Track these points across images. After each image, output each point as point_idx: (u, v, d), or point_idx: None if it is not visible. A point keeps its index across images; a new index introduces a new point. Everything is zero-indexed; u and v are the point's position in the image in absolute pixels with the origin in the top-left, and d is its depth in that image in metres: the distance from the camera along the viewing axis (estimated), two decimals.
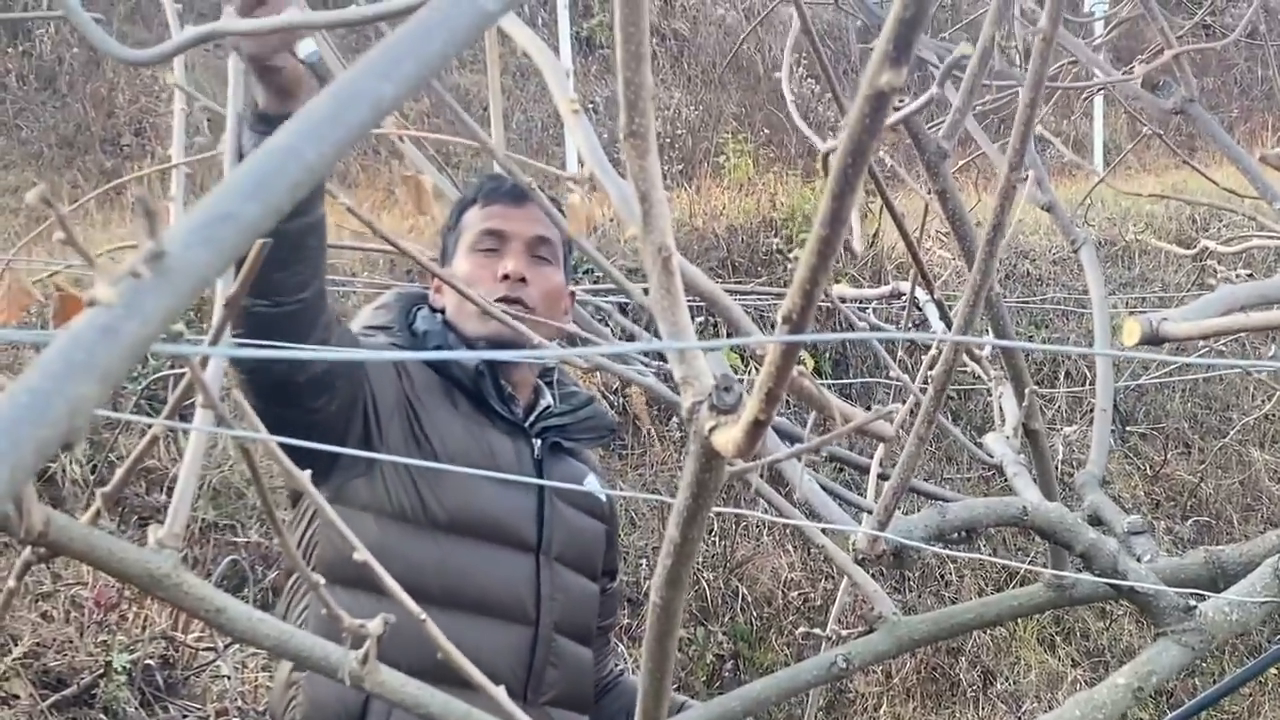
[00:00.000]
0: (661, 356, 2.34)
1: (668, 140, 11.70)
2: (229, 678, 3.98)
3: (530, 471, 2.29)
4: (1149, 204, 8.72)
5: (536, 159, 11.49)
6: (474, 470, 2.13)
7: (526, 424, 2.30)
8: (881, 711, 5.85)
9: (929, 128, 1.91)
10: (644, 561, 5.59)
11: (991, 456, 2.09)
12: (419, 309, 2.34)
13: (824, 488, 1.86)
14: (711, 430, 1.03)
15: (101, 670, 3.67)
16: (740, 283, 6.44)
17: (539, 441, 2.31)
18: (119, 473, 1.38)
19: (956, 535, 1.81)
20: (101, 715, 3.63)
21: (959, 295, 2.27)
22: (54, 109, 10.48)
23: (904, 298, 2.60)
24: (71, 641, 3.69)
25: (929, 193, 1.90)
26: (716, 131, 9.23)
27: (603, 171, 1.14)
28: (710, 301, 1.30)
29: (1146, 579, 1.77)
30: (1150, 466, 7.55)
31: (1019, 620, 6.52)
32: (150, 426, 1.40)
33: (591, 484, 2.38)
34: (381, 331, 2.26)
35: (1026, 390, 1.96)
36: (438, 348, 2.23)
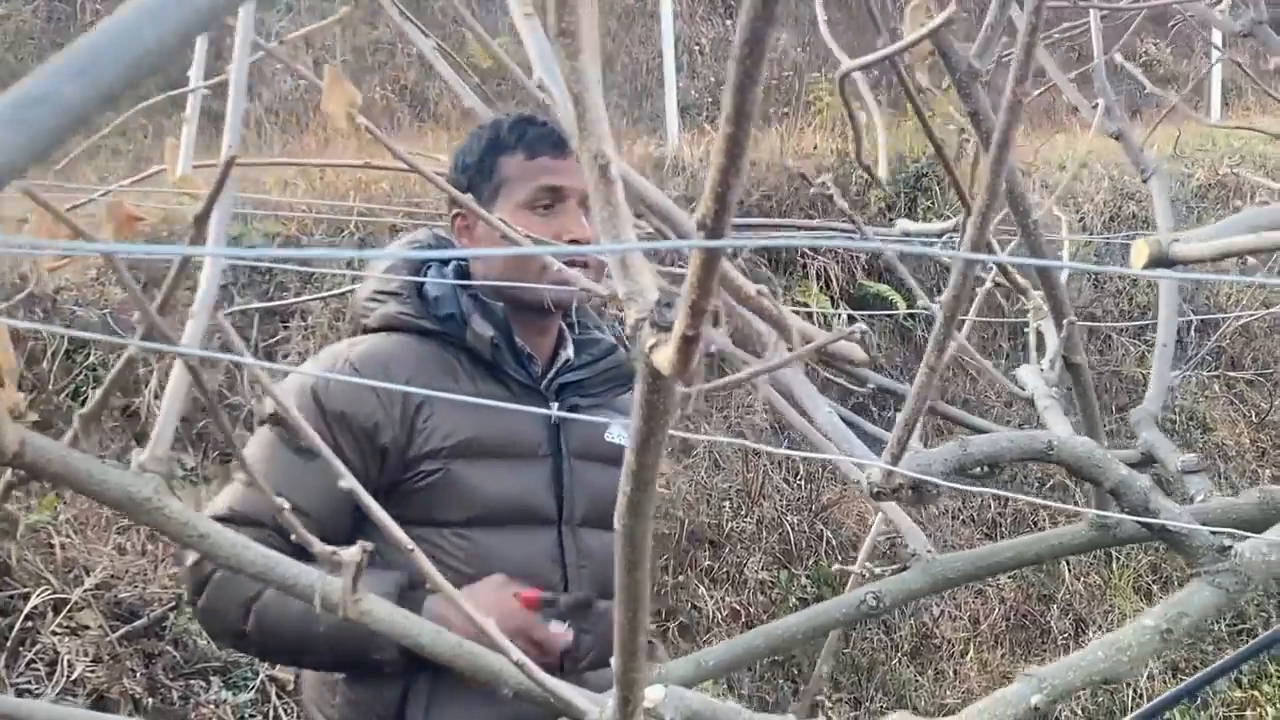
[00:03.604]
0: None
1: (774, 82, 11.55)
2: None
3: (547, 436, 2.25)
4: (1263, 145, 8.44)
5: (639, 103, 11.46)
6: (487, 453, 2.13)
7: (543, 385, 2.26)
8: (968, 658, 5.78)
9: (1003, 56, 1.83)
10: (726, 504, 5.55)
11: (1024, 389, 2.02)
12: (429, 267, 2.26)
13: (846, 420, 1.80)
14: (652, 349, 0.98)
15: (173, 603, 3.72)
16: (829, 224, 6.33)
17: (556, 403, 2.26)
18: (97, 394, 1.37)
19: (980, 470, 1.75)
20: (170, 647, 3.68)
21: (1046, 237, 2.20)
22: None
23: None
24: (145, 574, 3.75)
25: (967, 115, 1.82)
26: (823, 73, 9.08)
27: (550, 79, 1.10)
28: (663, 217, 1.25)
29: (1180, 517, 1.69)
30: (1256, 413, 7.34)
31: (1114, 568, 6.40)
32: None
33: (615, 433, 2.32)
34: (391, 298, 2.21)
35: (1066, 320, 1.88)
36: (449, 315, 2.19)
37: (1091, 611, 6.13)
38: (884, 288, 6.25)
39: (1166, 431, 6.97)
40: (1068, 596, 6.18)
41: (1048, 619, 6.09)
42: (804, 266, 6.16)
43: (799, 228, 4.43)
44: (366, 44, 12.60)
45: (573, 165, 2.16)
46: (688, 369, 1.00)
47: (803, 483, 5.77)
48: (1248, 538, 1.72)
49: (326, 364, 2.17)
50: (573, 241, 2.16)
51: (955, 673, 5.72)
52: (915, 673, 5.67)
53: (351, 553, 1.36)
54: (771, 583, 5.49)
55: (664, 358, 0.98)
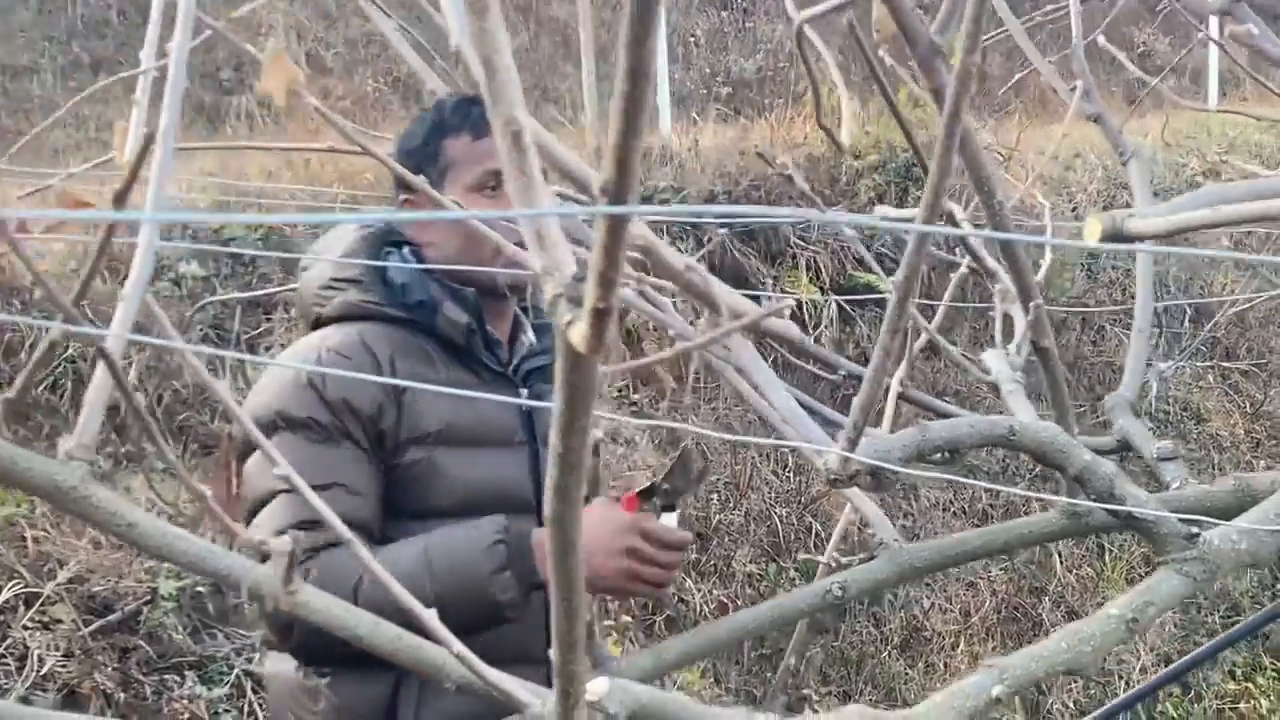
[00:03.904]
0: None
1: (769, 74, 11.50)
2: None
3: (521, 423, 2.22)
4: (1258, 134, 8.39)
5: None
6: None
7: (510, 371, 2.22)
8: (959, 650, 5.73)
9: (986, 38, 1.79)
10: (714, 496, 5.50)
11: (988, 374, 1.97)
12: (389, 252, 2.21)
13: (804, 405, 1.75)
14: (568, 325, 0.94)
15: (148, 597, 3.68)
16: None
17: (525, 390, 2.22)
18: (19, 379, 1.33)
19: (940, 455, 1.70)
20: (144, 642, 3.64)
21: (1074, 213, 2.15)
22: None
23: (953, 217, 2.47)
24: (119, 569, 3.71)
25: (929, 91, 1.78)
26: (815, 61, 9.02)
27: (465, 45, 1.06)
28: (581, 186, 1.21)
29: (1146, 504, 1.65)
30: (1251, 404, 7.29)
31: (1106, 559, 6.35)
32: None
33: None
34: (352, 286, 2.15)
35: (1033, 304, 1.84)
36: (420, 303, 2.14)
37: (1084, 604, 6.09)
38: (874, 277, 6.19)
39: (1160, 422, 6.94)
40: (1060, 589, 6.13)
41: (1039, 611, 6.05)
42: (794, 257, 6.12)
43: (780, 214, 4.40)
44: (360, 36, 12.55)
45: None
46: (601, 344, 0.95)
47: (791, 474, 5.73)
48: (1216, 525, 1.68)
49: (306, 357, 2.11)
50: None
51: (946, 665, 5.68)
52: (905, 666, 5.63)
53: (282, 542, 1.32)
54: (760, 575, 5.45)
55: (578, 334, 0.94)
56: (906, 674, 5.59)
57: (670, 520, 2.11)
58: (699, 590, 5.22)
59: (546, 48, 13.46)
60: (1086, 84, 2.60)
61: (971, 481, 4.83)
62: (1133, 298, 7.43)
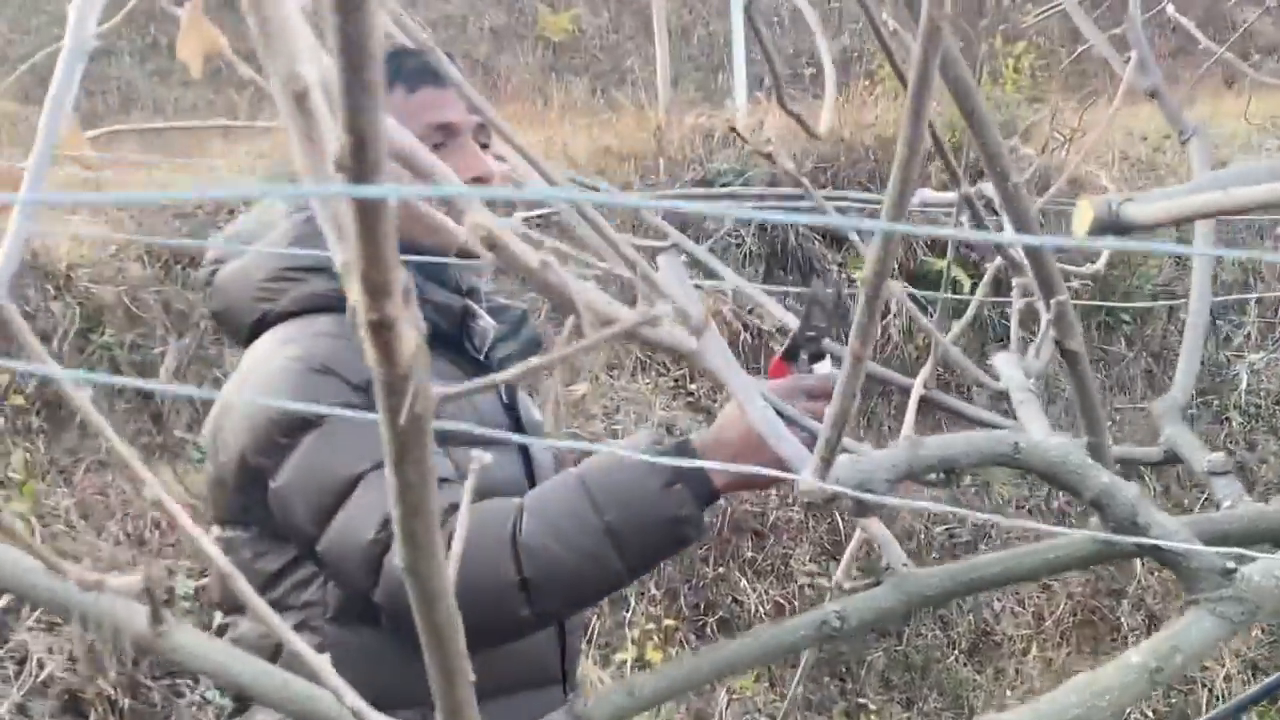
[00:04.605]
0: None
1: (854, 54, 11.21)
2: None
3: (507, 419, 2.04)
4: None
5: (715, 75, 11.18)
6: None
7: (484, 359, 2.01)
8: (1031, 656, 5.47)
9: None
10: (771, 492, 5.27)
11: (997, 380, 1.74)
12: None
13: (781, 413, 1.55)
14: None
15: (165, 598, 3.53)
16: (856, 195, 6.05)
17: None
18: None
19: (934, 477, 1.49)
20: None
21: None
22: (231, 25, 10.62)
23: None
24: (132, 567, 3.56)
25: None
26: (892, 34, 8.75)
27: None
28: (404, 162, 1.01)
29: (1174, 534, 1.42)
30: None
31: None
32: None
33: (530, 407, 2.11)
34: (313, 275, 1.93)
35: (1055, 300, 1.61)
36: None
37: (1165, 608, 5.79)
38: (942, 262, 5.93)
39: (1250, 418, 6.58)
40: (1139, 591, 5.84)
41: (1118, 615, 5.76)
42: (862, 242, 5.87)
43: (782, 197, 4.17)
44: (439, 18, 12.46)
45: (454, 96, 1.88)
46: (396, 362, 0.77)
47: None
48: (1257, 558, 1.45)
49: (293, 357, 1.88)
50: (475, 181, 1.89)
51: (1017, 672, 5.42)
52: (973, 671, 5.37)
53: (129, 583, 1.13)
54: (820, 575, 5.22)
55: (370, 353, 0.77)
56: (974, 680, 5.34)
57: (825, 367, 1.88)
58: (754, 590, 5.01)
59: (628, 28, 13.29)
60: (1142, 54, 2.36)
61: (964, 510, 4.55)
62: (1236, 283, 7.07)
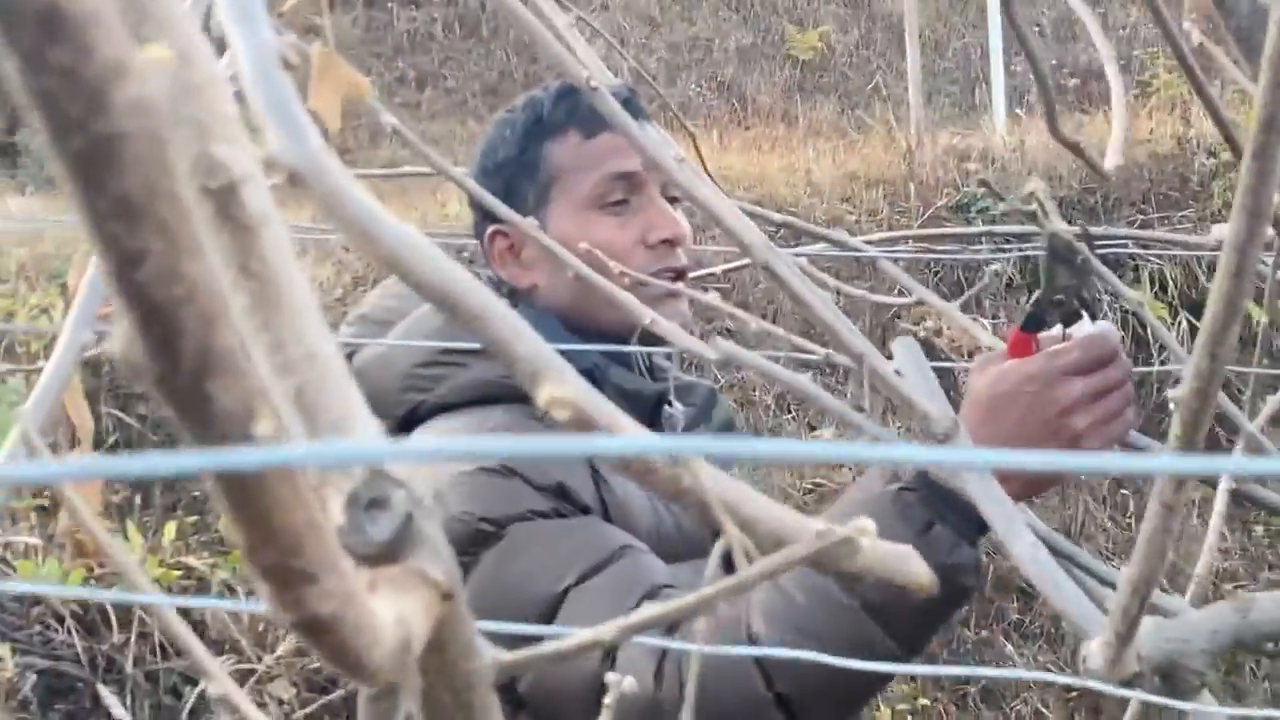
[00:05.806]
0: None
1: (1122, 63, 10.59)
2: None
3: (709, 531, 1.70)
4: None
5: (971, 91, 10.69)
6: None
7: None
8: None
9: None
10: None
11: None
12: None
13: (1059, 551, 1.17)
14: None
15: None
16: (1166, 218, 5.54)
17: None
18: None
19: (1273, 646, 1.10)
20: None
21: None
22: (479, 57, 10.68)
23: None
24: None
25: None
26: (1160, 46, 8.16)
27: None
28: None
29: None
30: None
31: None
32: None
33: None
34: (475, 360, 1.59)
35: None
36: (584, 372, 1.57)
37: None
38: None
39: None
40: None
41: None
42: (1135, 269, 5.36)
43: (986, 234, 3.74)
44: (684, 40, 12.25)
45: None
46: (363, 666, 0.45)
47: (1132, 521, 5.00)
48: None
49: (465, 465, 1.57)
50: (664, 244, 1.57)
51: None
52: None
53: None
54: None
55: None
56: None
57: (1086, 326, 1.45)
58: (1021, 656, 4.59)
59: (879, 44, 12.85)
60: None
61: None
62: None
